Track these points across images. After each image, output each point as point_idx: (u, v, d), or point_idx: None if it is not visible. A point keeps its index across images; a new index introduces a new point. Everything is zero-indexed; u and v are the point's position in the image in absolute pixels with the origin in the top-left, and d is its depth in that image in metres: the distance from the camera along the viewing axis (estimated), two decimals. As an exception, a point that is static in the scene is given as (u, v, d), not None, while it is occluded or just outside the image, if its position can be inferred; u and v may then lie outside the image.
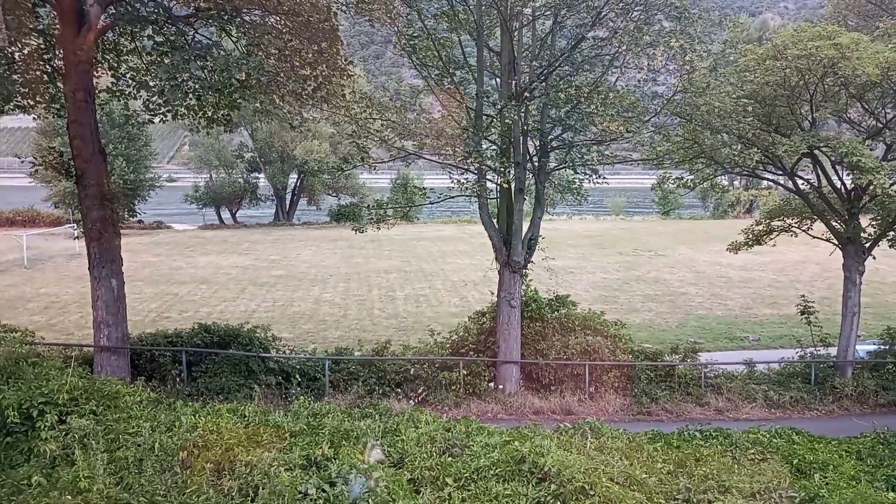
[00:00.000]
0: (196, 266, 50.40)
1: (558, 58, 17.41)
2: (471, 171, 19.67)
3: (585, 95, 15.88)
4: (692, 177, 21.67)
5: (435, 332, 22.95)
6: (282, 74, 15.39)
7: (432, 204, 22.53)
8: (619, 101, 16.48)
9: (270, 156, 66.43)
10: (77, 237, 17.07)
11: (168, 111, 22.26)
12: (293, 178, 69.48)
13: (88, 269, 18.95)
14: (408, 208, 21.47)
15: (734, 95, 16.86)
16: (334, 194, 70.49)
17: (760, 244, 23.86)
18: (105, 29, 17.35)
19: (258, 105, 15.92)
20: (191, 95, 16.71)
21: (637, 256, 55.00)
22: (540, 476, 9.20)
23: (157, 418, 10.16)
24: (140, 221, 60.31)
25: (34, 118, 22.81)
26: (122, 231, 67.54)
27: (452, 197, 22.22)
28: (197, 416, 10.20)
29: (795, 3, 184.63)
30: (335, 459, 9.13)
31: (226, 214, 71.61)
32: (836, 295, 40.78)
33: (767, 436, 13.88)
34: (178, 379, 19.07)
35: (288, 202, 70.71)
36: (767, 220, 23.82)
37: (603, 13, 16.25)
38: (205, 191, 68.03)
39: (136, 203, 60.23)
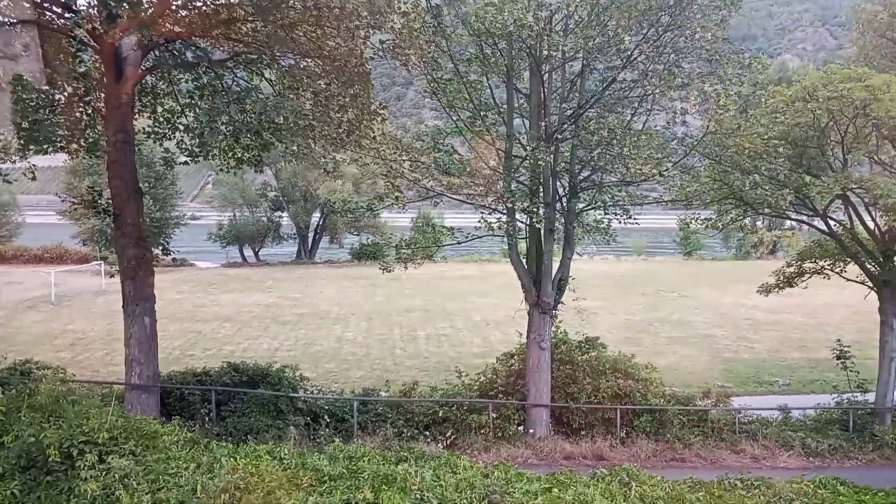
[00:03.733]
0: (219, 304, 50.66)
1: (588, 100, 17.55)
2: (499, 211, 19.72)
3: (618, 137, 15.95)
4: (719, 217, 21.65)
5: (462, 373, 22.74)
6: (317, 118, 15.59)
7: (459, 244, 22.55)
8: (650, 142, 16.53)
9: (294, 195, 67.12)
10: (113, 275, 17.24)
11: (200, 152, 22.73)
12: (315, 217, 70.06)
13: (122, 306, 19.11)
14: (436, 248, 21.45)
15: (765, 137, 16.84)
16: (356, 233, 70.93)
17: (792, 286, 23.57)
18: (146, 73, 17.77)
19: (294, 148, 16.11)
20: (229, 137, 16.95)
21: (660, 297, 54.39)
22: (585, 525, 8.98)
23: (195, 459, 10.08)
24: (174, 259, 60.96)
25: (67, 158, 23.35)
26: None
27: (479, 237, 22.28)
28: (237, 457, 10.12)
29: (814, 45, 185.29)
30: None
31: (248, 252, 72.18)
32: (867, 339, 39.90)
33: (812, 486, 13.50)
34: (206, 418, 19.01)
35: (310, 240, 71.20)
36: (799, 262, 23.56)
37: (633, 56, 16.39)
38: (228, 229, 68.76)
39: (165, 241, 61.05)
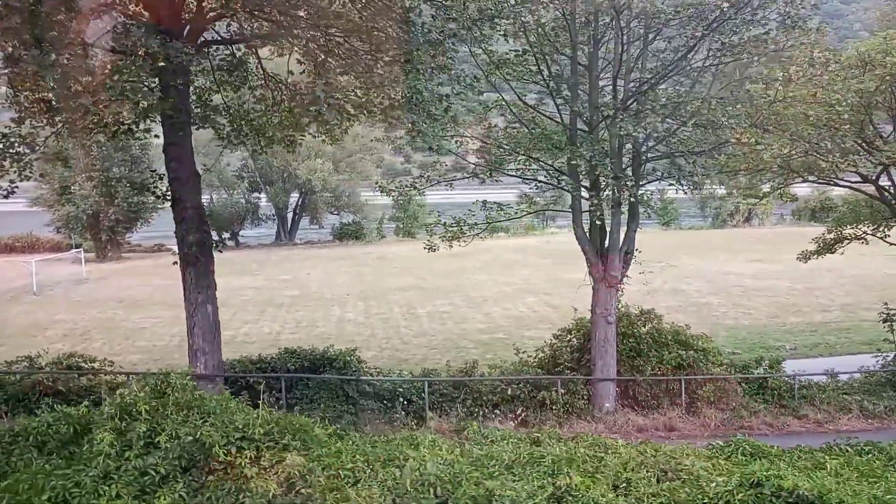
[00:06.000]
0: (208, 288, 49.12)
1: (667, 68, 17.33)
2: (563, 189, 19.47)
3: (711, 107, 15.75)
4: (757, 186, 21.82)
5: (520, 350, 22.49)
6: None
7: (510, 220, 22.23)
8: (741, 110, 16.36)
9: (271, 176, 65.65)
10: (176, 262, 16.10)
11: (232, 133, 21.84)
12: (294, 197, 68.77)
13: (183, 294, 18.25)
14: (488, 225, 21.06)
15: (844, 104, 16.86)
16: (336, 212, 69.86)
17: (832, 252, 23.97)
18: (203, 46, 16.77)
19: (410, 125, 15.42)
20: (342, 113, 15.93)
21: (648, 267, 54.82)
22: (792, 502, 8.80)
23: (367, 453, 9.58)
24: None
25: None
26: (122, 254, 65.42)
27: (532, 212, 22.07)
28: (419, 447, 9.66)
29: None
30: (581, 490, 8.68)
31: (225, 235, 70.44)
32: (856, 301, 41.33)
33: (920, 447, 13.66)
34: (275, 407, 18.33)
35: (290, 221, 69.84)
36: (838, 229, 23.95)
37: (714, 23, 16.16)
38: (207, 212, 66.92)
39: (136, 226, 59.40)
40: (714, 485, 9.37)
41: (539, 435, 12.21)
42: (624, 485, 9.85)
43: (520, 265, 56.89)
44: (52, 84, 13.07)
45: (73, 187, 53.35)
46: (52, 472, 9.23)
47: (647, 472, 10.09)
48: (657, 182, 20.01)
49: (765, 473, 9.21)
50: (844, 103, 16.60)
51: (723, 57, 16.50)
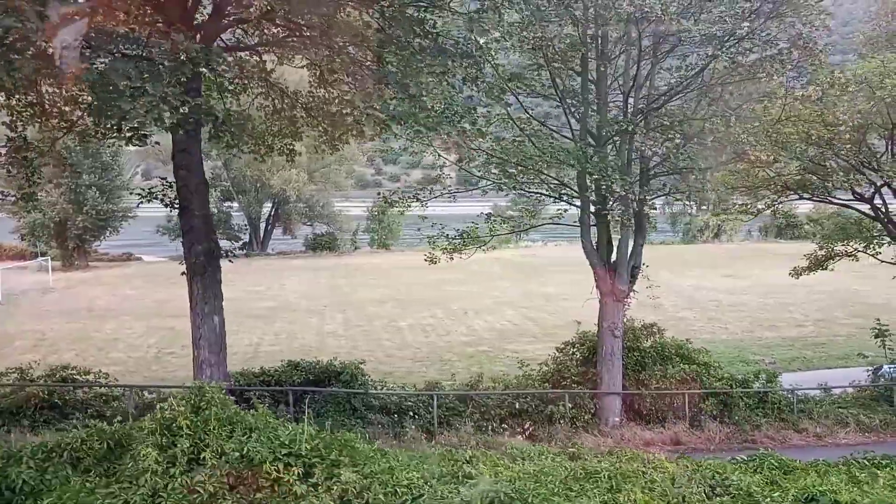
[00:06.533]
0: (181, 298, 47.72)
1: (681, 84, 17.51)
2: (570, 203, 19.51)
3: (730, 125, 15.92)
4: (752, 203, 22.19)
5: (524, 363, 22.39)
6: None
7: (512, 233, 22.20)
8: (762, 128, 16.61)
9: (244, 185, 64.67)
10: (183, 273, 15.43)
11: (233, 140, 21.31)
12: (267, 207, 67.77)
13: (190, 305, 17.75)
14: (490, 237, 20.98)
15: (849, 124, 17.25)
16: (309, 223, 69.07)
17: (824, 269, 24.45)
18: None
19: (446, 136, 15.16)
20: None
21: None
22: (854, 516, 8.83)
23: (420, 469, 9.32)
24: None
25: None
26: (89, 263, 63.70)
27: (537, 226, 22.09)
28: (478, 463, 9.42)
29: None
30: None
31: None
32: (828, 317, 42.18)
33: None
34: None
35: (262, 231, 68.79)
36: (829, 246, 24.45)
37: (728, 42, 16.38)
38: (178, 221, 65.62)
39: (105, 235, 57.97)
40: (768, 500, 9.34)
41: (575, 450, 12.07)
42: (677, 501, 9.76)
43: (496, 277, 56.98)
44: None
45: (39, 194, 51.72)
46: (93, 489, 8.78)
47: (697, 487, 10.03)
48: (664, 197, 20.19)
49: (819, 489, 9.23)
50: (850, 122, 16.97)
51: (736, 75, 16.72)
